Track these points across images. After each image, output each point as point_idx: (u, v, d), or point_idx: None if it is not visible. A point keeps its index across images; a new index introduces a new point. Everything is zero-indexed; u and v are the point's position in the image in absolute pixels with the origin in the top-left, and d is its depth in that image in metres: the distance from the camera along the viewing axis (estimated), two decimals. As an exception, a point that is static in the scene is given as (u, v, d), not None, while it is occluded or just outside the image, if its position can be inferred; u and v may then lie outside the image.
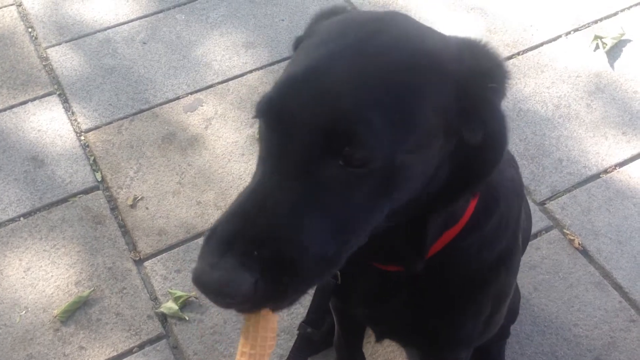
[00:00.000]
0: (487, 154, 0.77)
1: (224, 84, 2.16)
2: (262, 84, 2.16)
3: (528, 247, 1.73)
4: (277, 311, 0.71)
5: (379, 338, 1.20)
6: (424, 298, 0.96)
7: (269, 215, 0.68)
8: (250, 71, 2.20)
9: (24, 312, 1.63)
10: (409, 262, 0.86)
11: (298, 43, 0.84)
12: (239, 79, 2.18)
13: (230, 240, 0.66)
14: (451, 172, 0.77)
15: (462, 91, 0.72)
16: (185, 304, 1.63)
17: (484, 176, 0.78)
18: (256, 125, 2.02)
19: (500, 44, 2.26)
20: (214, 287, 0.64)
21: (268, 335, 0.72)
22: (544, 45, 2.27)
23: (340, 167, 0.68)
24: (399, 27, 0.76)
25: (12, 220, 1.81)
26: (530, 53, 2.24)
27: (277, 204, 0.68)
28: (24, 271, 1.70)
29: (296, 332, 1.10)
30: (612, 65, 2.20)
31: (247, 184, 1.91)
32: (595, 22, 2.34)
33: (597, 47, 2.25)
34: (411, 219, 0.80)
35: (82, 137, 2.01)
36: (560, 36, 2.29)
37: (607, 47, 2.23)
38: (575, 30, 2.32)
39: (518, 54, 2.23)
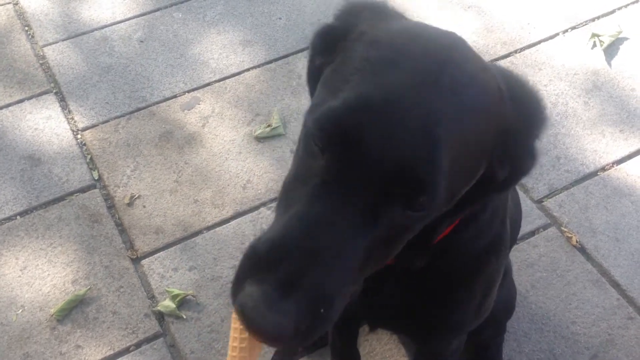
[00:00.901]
0: (507, 181, 0.77)
1: (221, 82, 2.16)
2: (260, 82, 2.15)
3: (526, 245, 1.74)
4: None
5: (373, 328, 1.20)
6: (418, 286, 0.96)
7: (326, 261, 0.63)
8: (248, 69, 2.20)
9: (20, 310, 1.62)
10: (411, 258, 0.86)
11: (329, 34, 0.77)
12: (236, 77, 2.18)
13: (292, 282, 0.62)
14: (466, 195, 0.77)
15: (508, 136, 0.71)
16: (182, 303, 1.63)
17: (497, 194, 0.80)
18: (253, 124, 2.02)
19: (498, 42, 2.26)
20: (269, 329, 0.61)
21: None
22: (541, 44, 2.26)
23: (402, 212, 0.66)
24: (467, 58, 0.71)
25: (9, 218, 1.80)
26: (527, 51, 2.24)
27: (340, 243, 0.64)
28: (21, 270, 1.70)
29: None
30: (609, 63, 2.20)
31: (244, 182, 1.88)
32: (593, 20, 2.34)
33: (594, 45, 2.25)
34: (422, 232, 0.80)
35: (79, 136, 2.01)
36: (557, 34, 2.29)
37: (605, 45, 2.23)
38: (573, 28, 2.32)
39: (515, 52, 2.23)
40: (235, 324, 0.71)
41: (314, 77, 0.80)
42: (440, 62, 0.67)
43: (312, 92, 0.85)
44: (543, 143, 1.95)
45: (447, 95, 0.65)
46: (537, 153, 0.75)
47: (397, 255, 0.78)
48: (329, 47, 0.77)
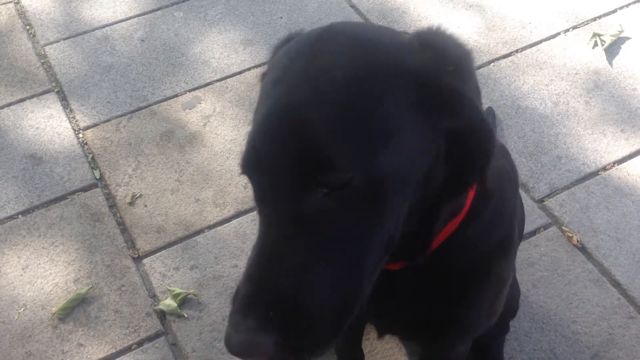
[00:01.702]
0: (474, 143, 0.75)
1: (222, 82, 2.16)
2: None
3: (527, 244, 1.74)
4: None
5: (381, 334, 1.20)
6: (428, 290, 0.96)
7: (277, 273, 0.69)
8: (249, 69, 2.20)
9: (22, 309, 1.63)
10: (413, 256, 0.85)
11: (262, 79, 0.83)
12: (237, 76, 2.18)
13: (249, 303, 0.68)
14: (451, 168, 0.76)
15: (422, 83, 0.70)
16: (183, 301, 1.63)
17: (481, 167, 0.76)
18: (255, 123, 2.02)
19: (499, 41, 2.26)
20: (239, 349, 0.67)
21: None
22: (543, 43, 2.27)
23: (327, 196, 0.67)
24: (345, 35, 0.74)
25: (11, 217, 1.81)
26: (528, 50, 2.24)
27: (281, 259, 0.69)
28: (22, 268, 1.70)
29: None
30: (610, 63, 2.20)
31: (245, 181, 1.89)
32: (594, 19, 2.34)
33: (595, 44, 2.25)
34: (418, 220, 0.79)
35: (81, 135, 2.01)
36: (558, 33, 2.29)
37: (606, 45, 2.23)
38: (574, 27, 2.32)
39: (516, 51, 2.23)
40: None
41: None
42: (316, 51, 0.71)
43: None
44: (544, 143, 1.95)
45: (320, 76, 0.69)
46: (470, 96, 0.72)
47: (397, 254, 0.79)
48: None
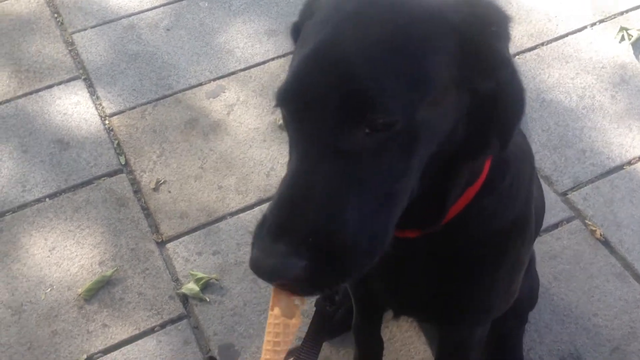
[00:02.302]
0: (504, 104, 0.76)
1: (246, 71, 2.18)
2: (284, 71, 2.16)
3: (549, 237, 1.73)
4: (332, 291, 0.73)
5: (397, 314, 1.21)
6: (442, 266, 0.96)
7: (312, 202, 0.70)
8: (273, 59, 2.21)
9: (49, 289, 1.66)
10: (428, 224, 0.86)
11: (295, 29, 0.84)
12: (261, 66, 2.19)
13: (280, 229, 0.69)
14: (473, 127, 0.77)
15: (465, 40, 0.72)
16: (206, 286, 1.65)
17: (507, 130, 0.78)
18: (277, 113, 2.04)
19: (525, 34, 2.25)
20: (268, 272, 0.68)
21: (283, 340, 0.72)
22: (569, 36, 2.25)
23: (367, 136, 0.69)
24: None
25: (38, 200, 1.84)
26: (554, 44, 2.22)
27: (316, 188, 0.70)
28: (49, 250, 1.74)
29: (313, 308, 1.09)
30: (637, 57, 2.17)
31: (267, 170, 1.91)
32: (621, 13, 2.31)
33: (622, 38, 2.23)
34: (435, 179, 0.80)
35: (107, 121, 2.04)
36: (585, 27, 2.27)
37: (633, 39, 2.21)
38: (601, 21, 2.29)
39: (542, 44, 2.22)
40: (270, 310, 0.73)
41: None
42: (366, 3, 0.73)
43: None
44: (569, 137, 1.94)
45: (372, 22, 0.71)
46: (511, 59, 0.75)
47: (411, 220, 0.80)
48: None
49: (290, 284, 0.70)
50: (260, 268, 0.68)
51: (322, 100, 0.69)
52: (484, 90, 0.74)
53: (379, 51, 0.69)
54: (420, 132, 0.71)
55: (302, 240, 0.68)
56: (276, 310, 0.72)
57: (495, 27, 0.74)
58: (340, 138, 0.70)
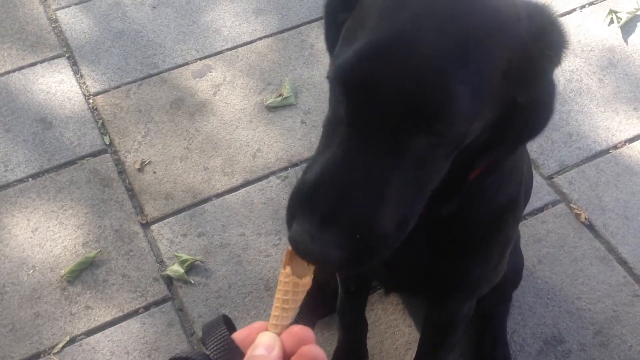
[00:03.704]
0: (535, 114, 0.77)
1: (233, 51, 2.15)
2: (272, 51, 2.14)
3: (534, 220, 1.74)
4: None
5: (388, 290, 1.22)
6: (437, 242, 0.98)
7: (361, 195, 0.70)
8: (260, 38, 2.19)
9: (31, 271, 1.65)
10: (435, 207, 0.87)
11: None
12: (248, 45, 2.17)
13: (328, 217, 0.70)
14: (497, 127, 0.78)
15: (520, 55, 0.72)
16: (190, 268, 1.65)
17: (531, 134, 0.79)
18: (264, 93, 2.02)
19: (514, 16, 2.23)
20: (309, 255, 0.70)
21: (292, 298, 0.72)
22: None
23: (423, 137, 0.70)
24: None
25: (21, 180, 1.82)
26: (543, 26, 2.21)
27: (366, 181, 0.70)
28: (32, 231, 1.72)
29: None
30: (626, 41, 2.17)
31: (254, 151, 1.88)
32: (611, -4, 2.31)
33: (611, 21, 2.22)
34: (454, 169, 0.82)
35: (91, 100, 2.01)
36: (574, 9, 2.26)
37: (622, 22, 2.20)
38: (590, 4, 2.28)
39: (531, 26, 2.20)
40: (282, 270, 0.73)
41: (335, 34, 0.83)
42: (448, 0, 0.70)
43: (330, 49, 0.88)
44: (555, 120, 1.94)
45: (453, 25, 0.68)
46: (554, 81, 0.75)
47: (428, 200, 0.81)
48: (350, 1, 0.79)
49: (327, 269, 0.72)
50: (303, 250, 0.69)
51: (393, 96, 0.67)
52: (520, 101, 0.75)
53: (457, 58, 0.67)
54: (465, 139, 0.73)
55: (349, 235, 0.70)
56: (288, 269, 0.72)
57: (552, 51, 0.74)
58: (402, 135, 0.69)
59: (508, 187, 0.96)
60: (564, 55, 0.75)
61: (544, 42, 0.73)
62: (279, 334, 0.68)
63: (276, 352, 0.65)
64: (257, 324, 0.69)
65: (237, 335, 0.68)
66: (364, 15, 0.73)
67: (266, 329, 0.69)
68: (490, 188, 0.92)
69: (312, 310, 1.01)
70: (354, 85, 0.70)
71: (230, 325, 0.69)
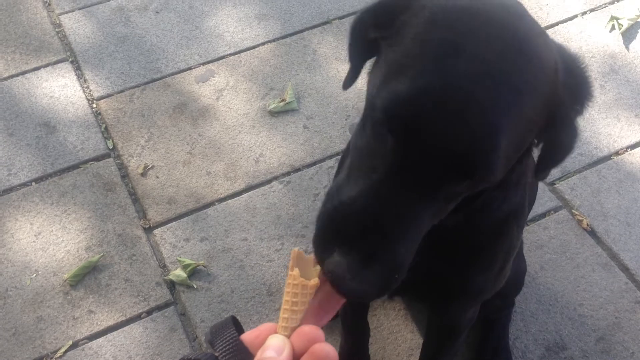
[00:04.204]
0: (549, 156, 0.80)
1: (235, 56, 2.16)
2: (275, 56, 2.15)
3: (536, 227, 1.74)
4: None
5: (391, 295, 1.22)
6: (444, 249, 0.98)
7: (400, 233, 0.72)
8: (263, 43, 2.19)
9: (34, 275, 1.65)
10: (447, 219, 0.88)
11: (389, 5, 0.78)
12: (251, 50, 2.17)
13: (370, 256, 0.71)
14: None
15: (552, 106, 0.73)
16: (193, 272, 1.65)
17: (544, 170, 0.83)
18: (267, 98, 2.02)
19: (516, 22, 2.24)
20: (350, 294, 0.70)
21: (301, 300, 0.72)
22: (559, 25, 2.24)
23: (455, 185, 0.72)
24: (528, 37, 0.72)
25: (24, 184, 1.82)
26: (545, 32, 2.22)
27: (404, 218, 0.71)
28: (35, 235, 1.72)
29: None
30: (627, 47, 2.18)
31: (256, 156, 1.88)
32: (612, 2, 2.31)
33: (612, 28, 2.22)
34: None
35: (94, 105, 2.02)
36: (576, 16, 2.27)
37: (623, 29, 2.21)
38: (592, 10, 2.29)
39: (533, 33, 2.21)
40: (290, 280, 0.73)
41: (362, 48, 0.83)
42: (501, 48, 0.69)
43: (354, 61, 0.88)
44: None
45: (506, 82, 0.68)
46: (578, 128, 0.77)
47: None
48: (387, 22, 0.77)
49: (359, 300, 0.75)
50: (342, 285, 0.70)
51: (443, 146, 0.67)
52: (540, 141, 0.78)
53: (505, 113, 0.68)
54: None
55: (388, 277, 0.72)
56: (296, 271, 0.72)
57: (579, 106, 0.76)
58: (443, 184, 0.71)
59: (514, 197, 0.97)
60: (589, 107, 0.78)
61: (575, 98, 0.75)
62: (288, 336, 0.68)
63: (286, 354, 0.65)
64: (266, 326, 0.69)
65: (246, 337, 0.68)
66: (413, 52, 0.71)
67: (275, 331, 0.69)
68: (496, 200, 0.93)
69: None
70: (403, 125, 0.69)
71: (238, 327, 0.69)
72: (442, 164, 0.69)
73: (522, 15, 0.75)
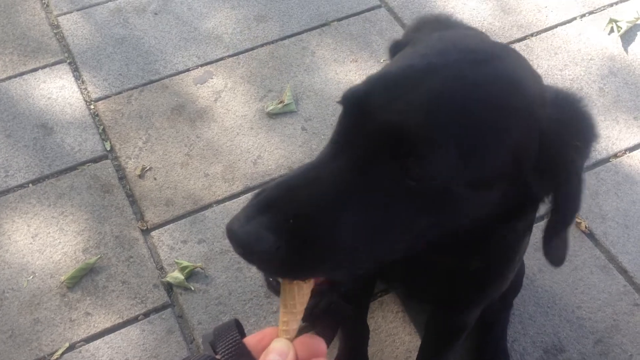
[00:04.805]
0: (553, 214, 0.76)
1: (234, 58, 2.15)
2: (273, 58, 2.15)
3: (534, 229, 1.72)
4: (296, 280, 0.71)
5: (389, 287, 1.24)
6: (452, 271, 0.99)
7: (314, 193, 0.69)
8: (261, 45, 2.19)
9: (31, 277, 1.64)
10: (463, 260, 0.88)
11: (395, 48, 0.84)
12: (250, 52, 2.17)
13: (270, 203, 0.68)
14: (515, 204, 0.78)
15: (545, 144, 0.71)
16: (190, 275, 1.64)
17: (548, 234, 0.79)
18: (265, 100, 2.02)
19: (514, 24, 2.24)
20: (240, 238, 0.66)
21: (298, 301, 0.72)
22: (558, 27, 2.24)
23: (398, 175, 0.69)
24: (504, 63, 0.73)
25: (21, 186, 1.82)
26: (543, 35, 2.22)
27: (326, 185, 0.69)
28: (32, 237, 1.72)
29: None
30: (626, 50, 2.17)
31: (254, 158, 1.89)
32: (611, 5, 2.31)
33: (611, 30, 2.22)
34: (471, 235, 0.82)
35: (92, 106, 2.01)
36: (574, 18, 2.27)
37: (622, 31, 2.21)
38: (590, 13, 2.29)
39: (531, 35, 2.21)
40: (283, 299, 0.72)
41: None
42: (474, 61, 0.71)
43: None
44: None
45: (464, 85, 0.69)
46: (583, 176, 0.73)
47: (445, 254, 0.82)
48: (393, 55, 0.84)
49: (257, 259, 0.68)
50: (234, 232, 0.66)
51: (378, 120, 0.69)
52: (537, 195, 0.75)
53: (455, 112, 0.68)
54: (448, 203, 0.71)
55: (285, 221, 0.67)
56: None
57: (580, 142, 0.73)
58: (374, 162, 0.69)
59: (524, 222, 0.96)
60: (593, 148, 0.74)
61: (570, 132, 0.72)
62: (290, 339, 0.68)
63: (290, 358, 0.65)
64: (269, 330, 0.69)
65: (249, 341, 0.68)
66: (392, 61, 0.77)
67: (276, 335, 0.69)
68: (507, 237, 0.93)
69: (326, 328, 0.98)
70: (351, 108, 0.72)
71: (241, 330, 0.69)
72: (370, 138, 0.69)
73: (510, 52, 0.77)
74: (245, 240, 0.66)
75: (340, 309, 0.85)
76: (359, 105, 0.71)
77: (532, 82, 0.74)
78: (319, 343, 0.66)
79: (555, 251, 0.83)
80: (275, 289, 0.73)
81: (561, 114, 0.72)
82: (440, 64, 0.70)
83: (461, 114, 0.68)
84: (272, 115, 1.99)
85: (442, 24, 0.86)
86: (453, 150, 0.67)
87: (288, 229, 0.67)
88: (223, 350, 0.66)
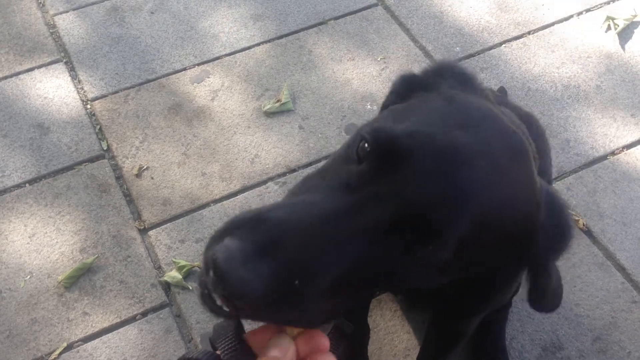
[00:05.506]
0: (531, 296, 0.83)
1: (231, 56, 2.15)
2: (270, 57, 2.14)
3: (532, 227, 1.74)
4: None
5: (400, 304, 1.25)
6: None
7: (325, 249, 0.64)
8: (258, 44, 2.19)
9: (28, 277, 1.64)
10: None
11: (411, 82, 0.85)
12: (247, 51, 2.17)
13: (273, 246, 0.61)
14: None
15: (532, 248, 0.75)
16: (188, 274, 1.64)
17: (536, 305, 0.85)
18: (262, 99, 2.02)
19: (511, 22, 2.24)
20: (231, 283, 0.58)
21: None
22: (555, 25, 2.24)
23: (401, 249, 0.67)
24: (527, 163, 0.76)
25: (18, 186, 1.81)
26: (541, 32, 2.22)
27: (338, 247, 0.64)
28: (29, 237, 1.71)
29: None
30: (623, 47, 2.18)
31: (252, 156, 1.88)
32: (608, 2, 2.31)
33: (608, 28, 2.23)
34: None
35: (89, 106, 2.01)
36: (572, 16, 2.27)
37: (619, 29, 2.21)
38: (587, 10, 2.29)
39: (529, 33, 2.21)
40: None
41: (391, 104, 0.88)
42: (499, 149, 0.71)
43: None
44: (553, 126, 1.94)
45: (490, 175, 0.69)
46: (554, 274, 0.80)
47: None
48: (407, 93, 0.83)
49: (242, 305, 0.61)
50: (227, 274, 0.58)
51: (413, 186, 0.65)
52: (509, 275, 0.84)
53: (485, 209, 0.68)
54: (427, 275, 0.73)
55: (288, 272, 0.61)
56: None
57: (562, 251, 0.79)
58: (387, 227, 0.66)
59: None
60: (562, 255, 0.80)
61: (555, 238, 0.77)
62: (291, 335, 0.68)
63: (290, 355, 0.64)
64: (270, 326, 0.68)
65: (249, 337, 0.67)
66: (420, 110, 0.75)
67: (277, 331, 0.68)
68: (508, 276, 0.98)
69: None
70: (383, 152, 0.67)
71: (240, 327, 0.69)
72: (395, 205, 0.64)
73: (524, 146, 0.78)
74: (236, 286, 0.58)
75: (341, 327, 0.84)
76: (394, 159, 0.66)
77: (534, 184, 0.76)
78: (321, 338, 0.66)
79: (547, 304, 0.90)
80: (222, 314, 0.65)
81: (552, 221, 0.77)
82: (482, 155, 0.68)
83: (482, 210, 0.68)
84: (269, 114, 1.99)
85: (468, 82, 0.84)
86: (456, 246, 0.68)
87: (285, 280, 0.61)
88: (223, 346, 0.65)
